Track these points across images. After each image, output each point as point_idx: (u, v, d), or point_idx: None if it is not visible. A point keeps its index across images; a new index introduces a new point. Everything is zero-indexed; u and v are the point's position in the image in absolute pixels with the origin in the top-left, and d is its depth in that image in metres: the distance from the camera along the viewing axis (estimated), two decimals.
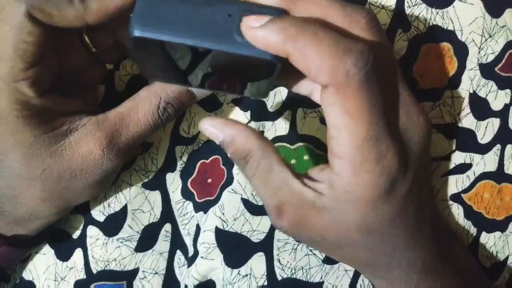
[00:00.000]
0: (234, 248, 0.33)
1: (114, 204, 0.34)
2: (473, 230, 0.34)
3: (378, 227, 0.27)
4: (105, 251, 0.34)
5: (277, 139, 0.34)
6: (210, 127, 0.27)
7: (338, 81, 0.23)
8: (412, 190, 0.27)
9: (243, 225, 0.33)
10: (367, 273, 0.31)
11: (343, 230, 0.27)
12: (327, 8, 0.24)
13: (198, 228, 0.34)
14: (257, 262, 0.33)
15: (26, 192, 0.28)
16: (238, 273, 0.33)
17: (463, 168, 0.34)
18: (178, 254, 0.35)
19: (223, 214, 0.33)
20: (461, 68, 0.33)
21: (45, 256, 0.34)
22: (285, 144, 0.33)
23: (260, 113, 0.34)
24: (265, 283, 0.33)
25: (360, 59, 0.23)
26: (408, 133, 0.27)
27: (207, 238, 0.33)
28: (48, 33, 0.25)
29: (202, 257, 0.33)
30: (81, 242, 0.34)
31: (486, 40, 0.33)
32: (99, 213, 0.34)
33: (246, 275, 0.33)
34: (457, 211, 0.34)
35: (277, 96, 0.34)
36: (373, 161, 0.24)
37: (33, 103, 0.26)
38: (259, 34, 0.23)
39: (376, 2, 0.33)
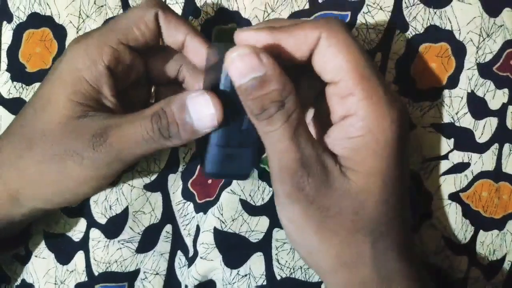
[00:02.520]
0: (233, 249, 0.33)
1: (115, 206, 0.34)
2: (470, 229, 0.34)
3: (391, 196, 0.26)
4: (106, 253, 0.34)
5: None
6: (251, 54, 0.24)
7: (326, 30, 0.25)
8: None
9: (241, 226, 0.34)
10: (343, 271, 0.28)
11: (363, 205, 0.26)
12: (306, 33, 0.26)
13: (197, 229, 0.34)
14: (256, 262, 0.34)
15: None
16: (238, 273, 0.34)
17: (461, 167, 0.34)
18: (179, 254, 0.35)
19: (221, 214, 0.33)
20: (459, 67, 0.33)
21: (45, 260, 0.35)
22: None
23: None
24: (264, 283, 0.34)
25: (334, 20, 0.26)
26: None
27: (206, 239, 0.33)
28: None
29: (201, 258, 0.33)
30: (83, 245, 0.34)
31: (484, 40, 0.33)
32: (101, 215, 0.34)
33: (246, 275, 0.34)
34: (455, 210, 0.34)
35: None
36: (380, 93, 0.25)
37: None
38: (252, 36, 0.25)
39: (374, 3, 0.33)
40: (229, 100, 0.26)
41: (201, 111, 0.27)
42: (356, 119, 0.25)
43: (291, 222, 0.27)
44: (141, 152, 0.28)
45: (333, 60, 0.25)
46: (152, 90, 0.33)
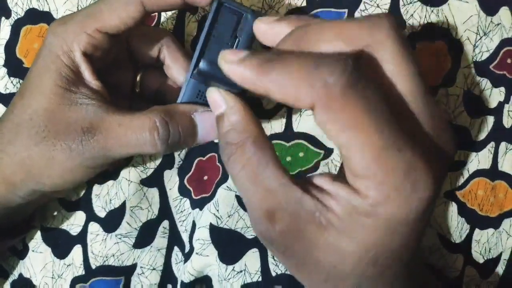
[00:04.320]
0: (229, 245, 0.34)
1: (114, 200, 0.34)
2: (466, 227, 0.34)
3: (382, 260, 0.23)
4: (104, 247, 0.35)
5: (273, 136, 0.34)
6: (216, 93, 0.25)
7: (320, 98, 0.20)
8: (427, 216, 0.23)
9: (237, 222, 0.34)
10: None
11: (344, 259, 0.23)
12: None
13: (194, 225, 0.35)
14: (251, 258, 0.34)
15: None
16: (233, 269, 0.34)
17: (457, 165, 0.34)
18: (176, 250, 0.36)
19: (217, 211, 0.34)
20: (456, 66, 0.33)
21: (42, 255, 0.35)
22: (280, 141, 0.34)
23: (256, 111, 0.34)
24: (260, 279, 0.34)
25: (336, 67, 0.20)
26: (434, 149, 0.23)
27: (202, 235, 0.34)
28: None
29: (197, 253, 0.34)
30: (81, 239, 0.35)
31: (481, 38, 0.33)
32: (101, 209, 0.35)
33: (241, 271, 0.34)
34: (451, 208, 0.34)
35: None
36: (400, 175, 0.21)
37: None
38: (235, 70, 0.23)
39: (371, 1, 0.33)
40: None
41: (208, 126, 0.28)
42: (365, 200, 0.21)
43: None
44: (131, 153, 0.29)
45: (339, 142, 0.21)
46: (138, 77, 0.33)
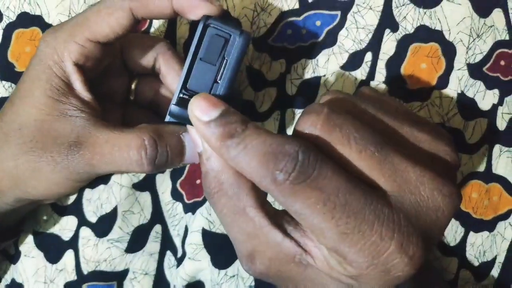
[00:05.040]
0: (221, 249, 0.33)
1: (106, 205, 0.34)
2: (460, 230, 0.34)
3: None
4: (96, 252, 0.34)
5: None
6: (194, 133, 0.25)
7: (274, 189, 0.21)
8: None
9: None
10: None
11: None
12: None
13: (186, 229, 0.34)
14: None
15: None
16: (225, 274, 0.34)
17: None
18: (168, 255, 0.35)
19: (210, 215, 0.33)
20: (449, 68, 0.33)
21: (34, 259, 0.35)
22: None
23: (249, 113, 0.34)
24: (252, 284, 0.34)
25: (286, 163, 0.21)
26: (418, 210, 0.22)
27: (194, 239, 0.33)
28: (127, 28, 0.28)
29: (189, 258, 0.33)
30: (73, 243, 0.34)
31: (474, 40, 0.33)
32: (92, 214, 0.34)
33: (234, 276, 0.34)
34: None
35: (266, 96, 0.34)
36: (369, 257, 0.21)
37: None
38: (200, 129, 0.23)
39: (363, 3, 0.33)
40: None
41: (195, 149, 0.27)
42: (343, 267, 0.22)
43: None
44: (116, 171, 0.28)
45: (299, 218, 0.22)
46: (133, 85, 0.33)
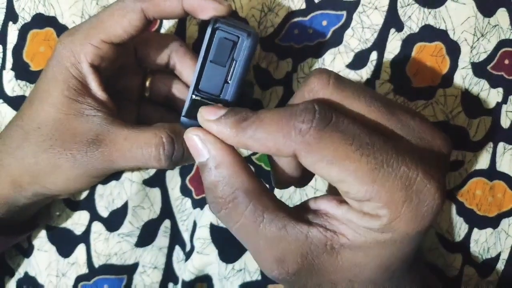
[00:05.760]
0: (229, 244, 0.34)
1: (117, 200, 0.35)
2: (465, 227, 0.34)
3: (395, 265, 0.24)
4: (106, 246, 0.35)
5: None
6: (197, 139, 0.24)
7: (299, 144, 0.22)
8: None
9: None
10: None
11: (360, 271, 0.24)
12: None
13: (194, 224, 0.35)
14: (251, 257, 0.34)
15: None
16: (233, 268, 0.34)
17: (456, 165, 0.34)
18: (177, 249, 0.36)
19: None
20: (454, 67, 0.34)
21: (47, 253, 0.36)
22: None
23: (256, 109, 0.34)
24: (259, 278, 0.34)
25: (305, 115, 0.22)
26: (428, 153, 0.23)
27: (203, 234, 0.34)
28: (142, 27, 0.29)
29: (198, 252, 0.34)
30: (85, 238, 0.35)
31: (478, 39, 0.33)
32: (104, 209, 0.35)
33: (240, 270, 0.34)
34: (449, 207, 0.34)
35: (273, 94, 0.35)
36: (402, 190, 0.21)
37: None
38: (214, 128, 0.23)
39: (369, 3, 0.34)
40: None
41: None
42: (377, 220, 0.22)
43: None
44: (133, 167, 0.29)
45: (333, 179, 0.22)
46: (147, 82, 0.34)
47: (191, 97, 0.28)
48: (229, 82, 0.28)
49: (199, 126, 0.24)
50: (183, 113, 0.29)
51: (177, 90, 0.34)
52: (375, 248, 0.23)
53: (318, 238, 0.23)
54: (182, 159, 0.29)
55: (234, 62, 0.27)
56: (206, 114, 0.24)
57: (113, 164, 0.29)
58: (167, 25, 0.36)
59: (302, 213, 0.24)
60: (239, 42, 0.27)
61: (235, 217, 0.23)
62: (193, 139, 0.24)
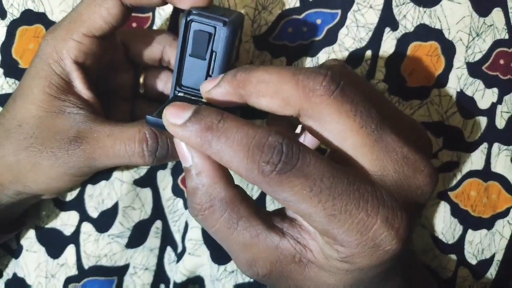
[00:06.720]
0: (220, 245, 0.34)
1: (107, 200, 0.35)
2: (459, 228, 0.34)
3: (364, 284, 0.24)
4: (96, 247, 0.35)
5: None
6: (182, 145, 0.23)
7: (260, 181, 0.21)
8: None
9: None
10: None
11: (328, 286, 0.24)
12: (277, 84, 0.23)
13: (186, 225, 0.35)
14: None
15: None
16: (225, 269, 0.34)
17: (450, 166, 0.34)
18: (169, 250, 0.36)
19: None
20: (449, 66, 0.33)
21: (36, 254, 0.35)
22: None
23: (251, 111, 0.34)
24: (251, 280, 0.34)
25: (272, 156, 0.21)
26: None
27: (195, 235, 0.34)
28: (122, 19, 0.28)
29: (189, 253, 0.34)
30: (74, 238, 0.35)
31: (473, 39, 0.33)
32: (94, 209, 0.35)
33: (233, 271, 0.34)
34: (443, 208, 0.34)
35: None
36: (358, 234, 0.21)
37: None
38: (179, 134, 0.22)
39: (364, 2, 0.33)
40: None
41: None
42: (338, 251, 0.22)
43: None
44: (117, 164, 0.28)
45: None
46: (141, 79, 0.33)
47: (174, 93, 0.27)
48: (212, 75, 0.27)
49: (163, 125, 0.23)
50: (155, 112, 0.27)
51: None
52: (337, 272, 0.23)
53: (288, 249, 0.23)
54: (167, 156, 0.28)
55: (214, 53, 0.26)
56: (170, 117, 0.22)
57: (95, 162, 0.28)
58: (159, 22, 0.35)
59: (278, 221, 0.24)
60: (216, 32, 0.26)
61: (211, 223, 0.23)
62: (179, 143, 0.23)
